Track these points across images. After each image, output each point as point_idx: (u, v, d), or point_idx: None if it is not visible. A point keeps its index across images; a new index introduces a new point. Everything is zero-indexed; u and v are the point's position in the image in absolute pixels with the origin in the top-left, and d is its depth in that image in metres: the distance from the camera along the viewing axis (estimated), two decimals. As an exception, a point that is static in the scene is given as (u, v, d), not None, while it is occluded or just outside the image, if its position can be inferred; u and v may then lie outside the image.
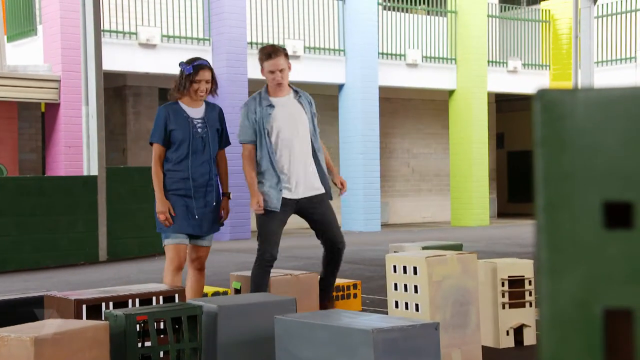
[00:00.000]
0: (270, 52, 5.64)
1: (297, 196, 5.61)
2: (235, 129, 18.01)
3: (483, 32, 18.52)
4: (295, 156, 5.60)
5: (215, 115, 5.52)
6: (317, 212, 5.67)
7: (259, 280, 5.54)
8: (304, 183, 5.62)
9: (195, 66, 5.35)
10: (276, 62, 5.60)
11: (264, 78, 5.67)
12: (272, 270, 6.09)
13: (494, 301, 5.18)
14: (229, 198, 5.58)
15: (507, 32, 19.94)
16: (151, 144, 5.44)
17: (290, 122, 5.61)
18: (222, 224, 5.57)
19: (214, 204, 5.42)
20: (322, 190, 5.69)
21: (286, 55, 5.69)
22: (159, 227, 5.36)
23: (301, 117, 5.64)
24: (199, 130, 5.38)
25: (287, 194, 5.59)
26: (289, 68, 5.70)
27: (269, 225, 5.59)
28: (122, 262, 11.20)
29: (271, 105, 5.62)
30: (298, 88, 5.81)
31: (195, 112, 5.41)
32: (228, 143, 5.62)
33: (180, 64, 5.41)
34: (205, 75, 5.36)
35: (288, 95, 5.69)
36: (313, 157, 5.67)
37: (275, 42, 15.89)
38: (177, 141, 5.33)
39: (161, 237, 5.41)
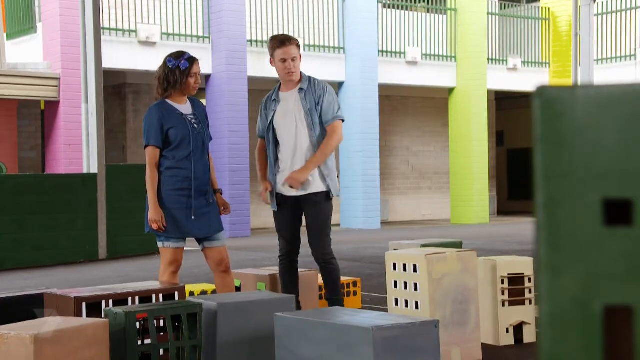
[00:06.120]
0: (283, 40, 5.52)
1: (287, 193, 5.52)
2: (233, 127, 17.84)
3: (483, 30, 18.52)
4: (287, 155, 5.51)
5: (202, 110, 5.37)
6: (307, 214, 5.55)
7: (280, 275, 5.62)
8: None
9: (189, 59, 5.25)
10: (289, 50, 5.47)
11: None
12: (271, 269, 6.10)
13: (493, 299, 5.18)
14: (221, 194, 5.48)
15: (507, 29, 19.94)
16: (146, 146, 5.21)
17: (287, 119, 5.51)
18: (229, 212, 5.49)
19: (211, 201, 5.33)
20: (307, 192, 5.46)
21: (298, 45, 5.55)
22: (150, 228, 5.21)
23: (298, 116, 5.47)
24: (196, 126, 5.25)
25: (281, 191, 5.57)
26: (300, 59, 5.54)
27: (275, 221, 5.67)
28: (122, 260, 11.21)
29: (276, 101, 5.56)
30: (315, 78, 5.59)
31: (185, 108, 5.26)
32: (211, 138, 5.44)
33: (169, 61, 5.20)
34: (198, 67, 5.29)
35: (294, 89, 5.51)
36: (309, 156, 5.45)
37: (275, 40, 15.89)
38: (176, 140, 5.16)
39: (157, 237, 5.23)
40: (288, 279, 5.58)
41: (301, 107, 5.47)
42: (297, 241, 5.63)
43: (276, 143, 5.55)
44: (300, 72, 5.56)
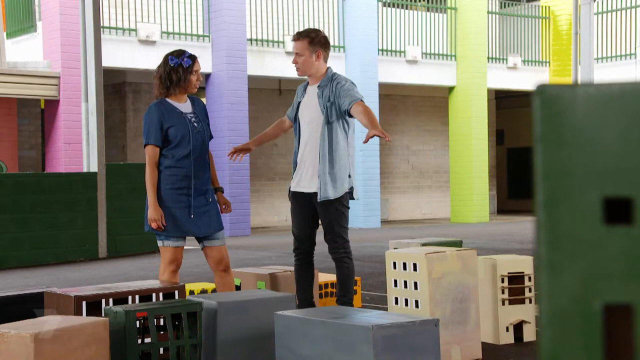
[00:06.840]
0: (294, 35, 5.58)
1: (297, 189, 5.55)
2: (233, 125, 17.77)
3: (483, 29, 18.52)
4: (300, 149, 5.53)
5: (202, 108, 5.36)
6: (320, 213, 5.49)
7: (295, 273, 5.60)
8: (302, 179, 5.51)
9: (191, 57, 5.25)
10: (295, 44, 5.52)
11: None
12: (271, 267, 6.09)
13: (493, 297, 5.18)
14: (222, 192, 5.48)
15: (507, 28, 19.93)
16: (146, 145, 5.19)
17: (305, 113, 5.53)
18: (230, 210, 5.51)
19: (211, 200, 5.32)
20: (314, 191, 5.43)
21: (311, 42, 5.47)
22: (150, 227, 5.19)
23: (314, 112, 5.48)
24: (196, 125, 5.25)
25: (292, 186, 5.59)
26: (317, 57, 5.48)
27: (292, 215, 5.65)
28: (122, 259, 11.21)
29: (304, 93, 5.59)
30: (338, 75, 5.54)
31: (185, 107, 5.25)
32: (211, 136, 5.43)
33: (171, 59, 5.19)
34: (199, 65, 5.30)
35: (315, 85, 5.53)
36: (322, 156, 5.40)
37: (275, 39, 15.89)
38: (175, 138, 5.15)
39: (156, 236, 5.23)
40: (299, 277, 5.56)
41: (317, 105, 5.48)
42: (307, 239, 5.56)
43: (299, 137, 5.57)
44: (328, 68, 5.57)
